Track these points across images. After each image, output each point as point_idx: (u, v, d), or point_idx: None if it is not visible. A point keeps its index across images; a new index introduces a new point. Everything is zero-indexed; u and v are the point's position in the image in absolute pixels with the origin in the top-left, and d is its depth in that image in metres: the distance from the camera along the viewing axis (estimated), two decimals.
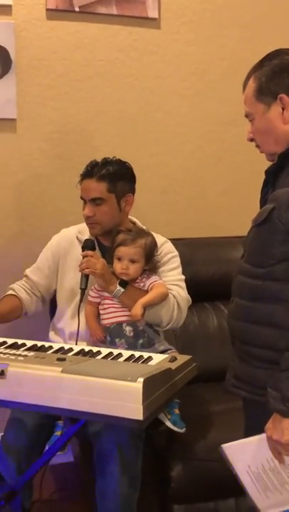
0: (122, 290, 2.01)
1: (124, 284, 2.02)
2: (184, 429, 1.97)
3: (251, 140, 1.65)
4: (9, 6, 2.53)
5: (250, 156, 2.98)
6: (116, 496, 1.85)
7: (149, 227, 2.19)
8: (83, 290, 2.05)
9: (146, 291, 2.03)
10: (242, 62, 2.91)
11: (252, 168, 3.01)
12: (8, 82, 2.55)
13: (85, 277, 2.05)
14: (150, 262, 2.06)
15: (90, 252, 2.05)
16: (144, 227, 2.19)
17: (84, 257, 2.04)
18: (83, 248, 2.09)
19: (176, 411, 1.98)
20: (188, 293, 2.17)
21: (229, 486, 2.00)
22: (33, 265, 2.29)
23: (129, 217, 2.25)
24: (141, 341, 2.01)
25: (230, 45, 2.90)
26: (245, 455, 1.42)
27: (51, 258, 2.26)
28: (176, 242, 2.34)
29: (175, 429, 1.95)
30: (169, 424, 1.95)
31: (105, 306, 2.06)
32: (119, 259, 2.03)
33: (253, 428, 1.50)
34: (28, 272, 2.28)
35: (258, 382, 1.49)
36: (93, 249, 2.09)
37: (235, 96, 2.93)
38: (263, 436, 1.41)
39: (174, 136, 2.87)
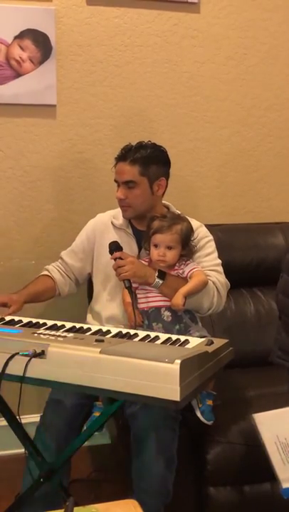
0: (161, 282, 2.01)
1: (162, 275, 2.02)
2: (211, 421, 1.97)
3: None
4: None
5: None
6: (152, 476, 1.88)
7: (186, 212, 2.19)
8: (129, 288, 2.03)
9: (185, 279, 2.03)
10: (283, 46, 2.89)
11: None
12: (49, 68, 2.57)
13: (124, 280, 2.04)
14: (187, 247, 2.06)
15: (117, 254, 2.05)
16: (178, 212, 2.19)
17: (115, 264, 2.04)
18: (110, 252, 2.08)
19: (209, 402, 1.99)
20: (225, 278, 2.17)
21: (265, 470, 2.02)
22: (69, 248, 2.32)
23: (163, 201, 2.25)
24: (178, 327, 2.01)
25: (271, 29, 2.86)
26: (276, 425, 1.44)
27: (86, 242, 2.29)
28: (213, 228, 2.34)
29: (202, 419, 1.96)
30: (198, 413, 1.97)
31: (145, 290, 2.06)
32: (155, 246, 2.02)
33: None
34: (63, 254, 2.32)
35: None
36: (119, 249, 2.08)
37: (275, 81, 2.92)
38: None
39: (213, 121, 2.85)
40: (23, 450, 1.82)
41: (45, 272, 2.28)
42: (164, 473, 1.88)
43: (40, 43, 2.54)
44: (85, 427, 1.96)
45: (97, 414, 1.94)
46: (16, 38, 2.51)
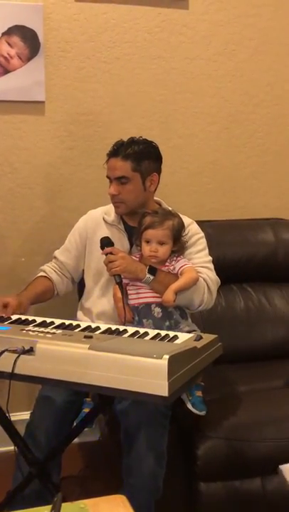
0: (152, 277, 2.00)
1: (153, 270, 2.02)
2: (204, 412, 1.97)
3: None
4: None
5: (278, 138, 2.98)
6: (142, 473, 1.88)
7: (177, 208, 2.19)
8: (120, 283, 2.03)
9: (176, 275, 2.03)
10: (271, 42, 2.90)
11: (280, 150, 3.00)
12: (37, 64, 2.56)
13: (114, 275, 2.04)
14: (178, 243, 2.06)
15: (108, 249, 2.05)
16: (169, 208, 2.19)
17: (106, 259, 2.04)
18: (101, 248, 2.07)
19: (198, 393, 1.99)
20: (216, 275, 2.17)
21: (255, 465, 2.03)
22: (62, 246, 2.31)
23: (155, 198, 2.25)
24: (168, 323, 2.01)
25: (260, 25, 2.86)
26: None
27: (79, 239, 2.28)
28: (204, 224, 2.34)
29: (194, 411, 1.96)
30: (189, 405, 1.96)
31: (136, 286, 2.06)
32: (147, 242, 2.02)
33: None
34: (56, 253, 2.31)
35: None
36: (110, 244, 2.08)
37: (264, 76, 2.93)
38: None
39: (202, 117, 2.85)
40: (13, 447, 1.82)
41: (42, 273, 2.26)
42: (154, 469, 1.88)
43: (28, 40, 2.53)
44: (74, 424, 1.96)
45: (86, 410, 1.95)
46: (3, 34, 2.50)
